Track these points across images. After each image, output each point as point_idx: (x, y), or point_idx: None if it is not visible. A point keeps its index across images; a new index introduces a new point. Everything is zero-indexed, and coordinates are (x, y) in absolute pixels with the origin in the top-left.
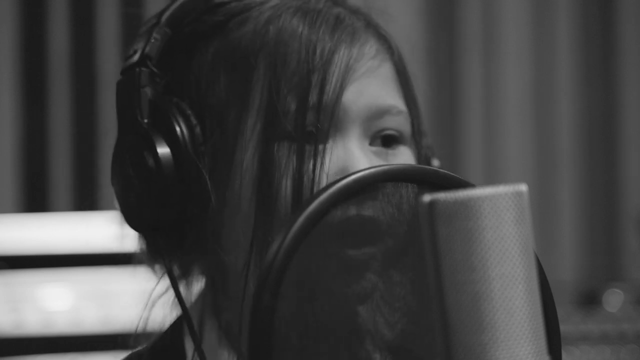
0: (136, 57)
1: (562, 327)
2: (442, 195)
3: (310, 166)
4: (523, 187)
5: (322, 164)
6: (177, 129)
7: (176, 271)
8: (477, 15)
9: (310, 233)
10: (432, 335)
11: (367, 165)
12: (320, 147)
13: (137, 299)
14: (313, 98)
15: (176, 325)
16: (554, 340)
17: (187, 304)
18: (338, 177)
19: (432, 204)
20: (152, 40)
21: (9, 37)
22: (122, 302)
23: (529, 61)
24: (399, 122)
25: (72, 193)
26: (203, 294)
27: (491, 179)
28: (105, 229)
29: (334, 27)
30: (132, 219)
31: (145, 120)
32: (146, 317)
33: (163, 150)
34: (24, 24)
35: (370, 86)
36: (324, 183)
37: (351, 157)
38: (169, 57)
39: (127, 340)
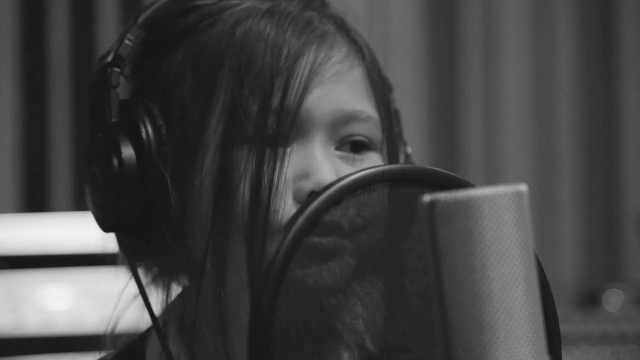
0: (109, 58)
1: (562, 327)
2: (442, 195)
3: (269, 169)
4: (523, 187)
5: (281, 167)
6: (142, 129)
7: (155, 271)
8: (477, 15)
9: (310, 233)
10: (432, 335)
11: (329, 170)
12: (281, 150)
13: (137, 299)
14: (275, 101)
15: (149, 330)
16: (554, 340)
17: (166, 304)
18: (299, 181)
19: (432, 204)
20: (126, 42)
21: (9, 37)
22: (122, 302)
23: (529, 61)
24: (368, 128)
25: (72, 193)
26: (181, 294)
27: (491, 179)
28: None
29: (302, 30)
30: (97, 218)
31: (114, 120)
32: (115, 318)
33: (127, 150)
34: (24, 24)
35: (336, 90)
36: (282, 186)
37: (313, 160)
38: (142, 59)
39: (100, 343)
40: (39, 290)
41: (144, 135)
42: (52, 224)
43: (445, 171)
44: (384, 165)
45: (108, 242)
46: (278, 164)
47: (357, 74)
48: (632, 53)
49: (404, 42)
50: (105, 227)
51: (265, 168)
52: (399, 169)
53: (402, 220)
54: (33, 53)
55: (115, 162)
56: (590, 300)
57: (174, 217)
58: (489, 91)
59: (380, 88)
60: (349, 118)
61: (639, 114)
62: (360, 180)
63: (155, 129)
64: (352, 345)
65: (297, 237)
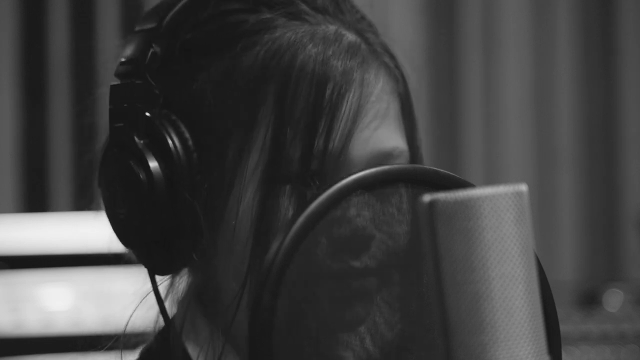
0: (133, 67)
1: (562, 327)
2: (442, 195)
3: None
4: (523, 187)
5: None
6: (175, 155)
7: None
8: (477, 15)
9: (310, 233)
10: (432, 335)
11: None
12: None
13: (137, 299)
14: (319, 145)
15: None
16: (554, 340)
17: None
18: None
19: (432, 204)
20: (152, 50)
21: (9, 37)
22: (122, 302)
23: (529, 61)
24: (400, 162)
25: (72, 193)
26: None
27: (491, 179)
28: (105, 229)
29: (345, 63)
30: (119, 233)
31: (142, 141)
32: (139, 317)
33: (157, 175)
34: (24, 24)
35: (376, 131)
36: None
37: None
38: (167, 67)
39: (126, 340)
40: (39, 290)
41: (176, 162)
42: (52, 224)
43: (445, 171)
44: (384, 165)
45: (108, 243)
46: None
47: (393, 108)
48: (632, 53)
49: (404, 41)
50: (127, 244)
51: None
52: (399, 169)
53: (402, 220)
54: (33, 53)
55: (145, 185)
56: (590, 300)
57: (203, 249)
58: (489, 91)
59: (408, 115)
60: (384, 157)
61: (639, 114)
62: (361, 180)
63: (188, 155)
64: (353, 345)
65: (297, 237)
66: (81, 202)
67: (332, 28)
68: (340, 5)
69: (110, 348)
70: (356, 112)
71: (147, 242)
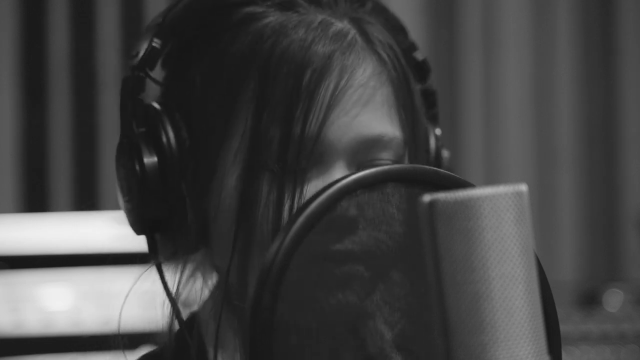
0: (136, 61)
1: (562, 327)
2: (442, 195)
3: (289, 200)
4: (523, 187)
5: (300, 197)
6: (165, 143)
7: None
8: (477, 15)
9: (310, 233)
10: (432, 335)
11: None
12: (300, 179)
13: (138, 298)
14: (296, 130)
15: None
16: (554, 340)
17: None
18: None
19: (432, 204)
20: (153, 44)
21: (9, 37)
22: (122, 302)
23: (529, 61)
24: (391, 149)
25: (72, 193)
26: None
27: (491, 179)
28: (105, 229)
29: (327, 45)
30: (128, 221)
31: (139, 131)
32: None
33: (149, 161)
34: (24, 24)
35: (359, 117)
36: None
37: None
38: (169, 61)
39: (127, 340)
40: (39, 290)
41: (167, 149)
42: (52, 224)
43: (445, 171)
44: (384, 165)
45: (107, 243)
46: (297, 194)
47: (381, 94)
48: (632, 53)
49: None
50: (134, 229)
51: (285, 198)
52: (400, 169)
53: (402, 220)
54: (33, 53)
55: (137, 167)
56: (590, 300)
57: (193, 230)
58: (489, 91)
59: (407, 105)
60: (371, 143)
61: (639, 114)
62: (361, 180)
63: (180, 142)
64: (353, 345)
65: (297, 237)
66: (81, 202)
67: (319, 17)
68: None
69: (111, 348)
70: (334, 97)
71: (148, 228)
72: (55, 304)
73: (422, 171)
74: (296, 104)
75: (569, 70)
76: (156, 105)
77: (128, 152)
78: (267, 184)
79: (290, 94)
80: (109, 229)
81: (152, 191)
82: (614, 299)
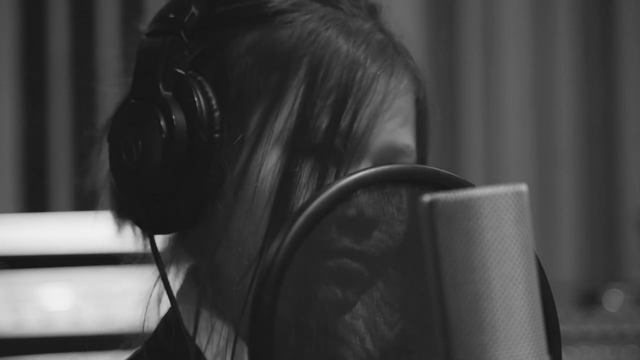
0: (169, 24)
1: (562, 327)
2: (442, 195)
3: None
4: (523, 187)
5: None
6: (198, 108)
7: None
8: (477, 15)
9: (310, 233)
10: (432, 335)
11: None
12: (342, 170)
13: (138, 298)
14: (345, 122)
15: (169, 322)
16: (554, 340)
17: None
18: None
19: (432, 204)
20: (192, 11)
21: (9, 37)
22: (122, 302)
23: (529, 61)
24: (409, 161)
25: (72, 193)
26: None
27: (491, 179)
28: (105, 229)
29: (375, 54)
30: (124, 182)
31: (167, 93)
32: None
33: (180, 124)
34: (24, 24)
35: (393, 124)
36: None
37: None
38: (201, 31)
39: (128, 340)
40: (39, 290)
41: (199, 114)
42: (52, 224)
43: (445, 171)
44: (384, 165)
45: (107, 243)
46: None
47: (410, 108)
48: (632, 53)
49: (404, 41)
50: (133, 193)
51: (325, 183)
52: (400, 168)
53: (402, 220)
54: (33, 53)
55: (166, 134)
56: (590, 300)
57: (219, 213)
58: (489, 91)
59: (422, 120)
60: (398, 153)
61: (639, 114)
62: (361, 180)
63: (210, 112)
64: (353, 345)
65: (297, 237)
66: (81, 202)
67: (366, 25)
68: (374, 8)
69: (111, 348)
70: (382, 102)
71: (154, 192)
72: (55, 304)
73: (422, 171)
74: (348, 96)
75: (569, 71)
76: (184, 72)
77: (154, 110)
78: (309, 169)
79: (344, 87)
80: (109, 229)
81: (177, 153)
82: (614, 299)
